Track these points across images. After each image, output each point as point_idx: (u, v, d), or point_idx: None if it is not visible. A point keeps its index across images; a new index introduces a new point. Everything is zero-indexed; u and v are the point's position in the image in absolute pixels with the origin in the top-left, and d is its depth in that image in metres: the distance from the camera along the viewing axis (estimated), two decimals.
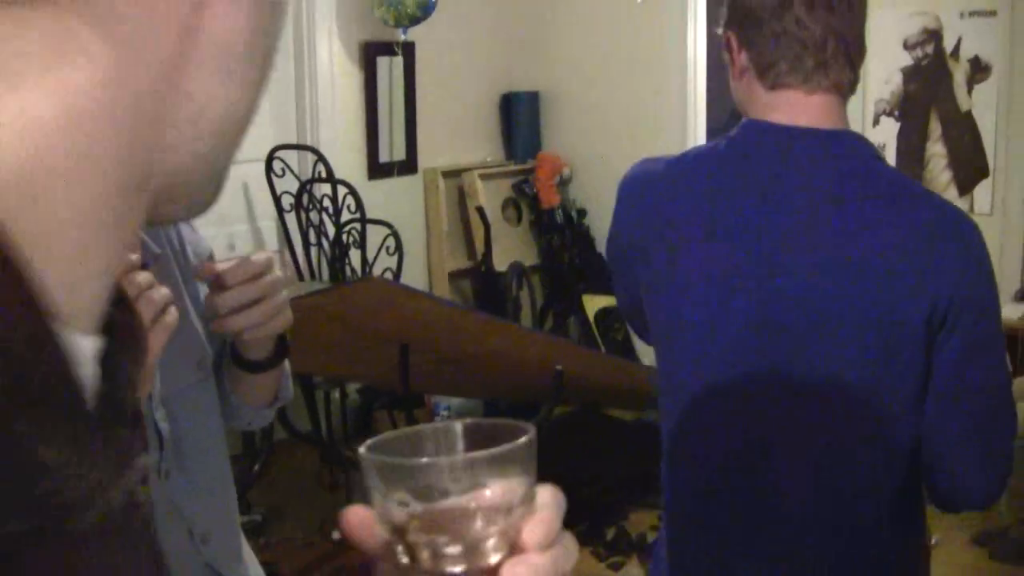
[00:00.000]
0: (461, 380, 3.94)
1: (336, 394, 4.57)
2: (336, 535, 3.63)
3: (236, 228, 4.40)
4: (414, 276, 4.92)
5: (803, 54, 1.31)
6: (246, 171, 4.34)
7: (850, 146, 1.36)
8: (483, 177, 5.05)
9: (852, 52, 1.34)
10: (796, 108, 1.34)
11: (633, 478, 4.12)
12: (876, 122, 4.51)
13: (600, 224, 5.24)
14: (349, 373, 3.97)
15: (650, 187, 1.47)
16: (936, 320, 1.27)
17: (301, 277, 4.44)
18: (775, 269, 1.32)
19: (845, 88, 1.35)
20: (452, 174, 5.06)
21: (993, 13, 4.20)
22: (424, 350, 3.23)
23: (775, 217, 1.33)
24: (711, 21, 4.79)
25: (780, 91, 1.35)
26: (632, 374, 3.91)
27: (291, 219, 4.40)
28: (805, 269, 1.31)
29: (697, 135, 4.93)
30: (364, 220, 4.25)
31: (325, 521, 3.50)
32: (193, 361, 1.31)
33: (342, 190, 4.27)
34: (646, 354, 5.22)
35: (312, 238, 4.42)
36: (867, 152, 1.36)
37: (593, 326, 5.08)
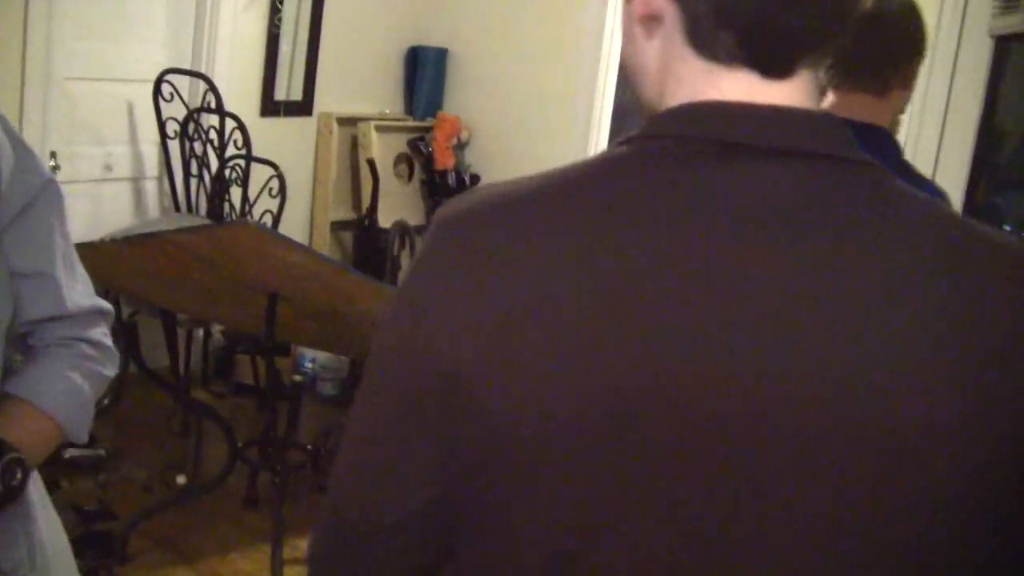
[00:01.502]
0: (329, 336, 3.85)
1: (200, 333, 4.45)
2: (181, 480, 3.53)
3: (116, 149, 4.23)
4: (295, 222, 4.80)
5: None
6: (132, 91, 4.17)
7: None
8: (379, 129, 4.94)
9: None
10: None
11: None
12: None
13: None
14: (213, 315, 3.85)
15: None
16: None
17: (178, 208, 4.30)
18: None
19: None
20: (347, 122, 4.94)
21: None
22: (293, 302, 3.13)
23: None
24: None
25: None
26: None
27: (175, 147, 4.25)
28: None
29: (604, 114, 4.88)
30: (250, 157, 4.12)
31: (171, 465, 3.39)
32: None
33: (230, 123, 4.13)
34: None
35: (194, 169, 4.27)
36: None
37: None
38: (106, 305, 1.36)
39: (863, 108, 1.69)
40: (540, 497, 0.75)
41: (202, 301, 3.52)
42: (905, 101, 1.81)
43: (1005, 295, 0.74)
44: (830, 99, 1.66)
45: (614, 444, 0.72)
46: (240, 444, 3.13)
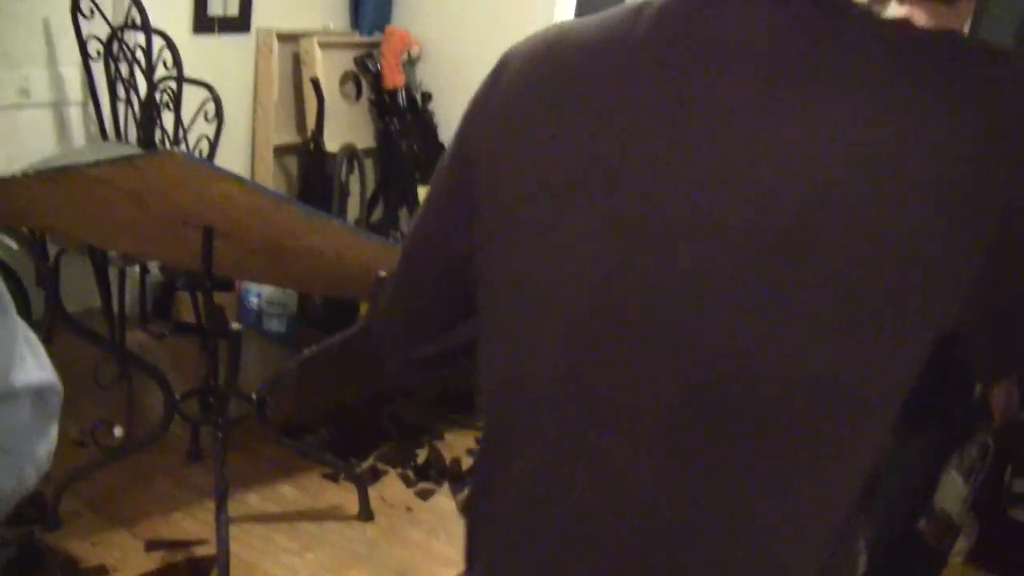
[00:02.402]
0: (273, 271, 3.57)
1: (136, 270, 4.15)
2: (118, 433, 3.25)
3: (33, 72, 3.88)
4: (235, 147, 4.48)
5: None
6: (48, 7, 3.81)
7: None
8: (323, 46, 4.60)
9: None
10: None
11: (450, 393, 3.83)
12: None
13: (446, 111, 4.86)
14: (145, 252, 3.56)
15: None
16: None
17: (105, 135, 3.96)
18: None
19: None
20: (289, 38, 4.59)
21: None
22: (231, 237, 2.85)
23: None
24: None
25: None
26: None
27: (99, 69, 3.90)
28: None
29: None
30: (181, 79, 3.79)
31: (102, 421, 3.11)
32: None
33: (159, 42, 3.78)
34: None
35: (121, 93, 3.93)
36: None
37: None
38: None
39: (934, 15, 1.75)
40: (510, 237, 0.97)
41: (132, 238, 3.22)
42: (969, 12, 1.85)
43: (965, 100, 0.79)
44: (901, 8, 1.77)
45: (567, 201, 0.91)
46: (178, 396, 2.85)
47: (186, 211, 2.73)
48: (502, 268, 0.98)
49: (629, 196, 0.87)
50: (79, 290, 4.00)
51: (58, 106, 4.01)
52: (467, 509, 1.12)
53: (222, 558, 2.56)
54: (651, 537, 0.92)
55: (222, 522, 2.60)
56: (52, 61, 3.94)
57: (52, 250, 3.61)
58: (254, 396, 2.80)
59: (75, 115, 4.05)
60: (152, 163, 2.44)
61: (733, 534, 0.90)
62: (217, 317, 4.26)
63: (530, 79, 0.95)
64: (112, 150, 3.58)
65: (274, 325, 4.30)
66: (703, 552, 0.91)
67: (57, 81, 3.97)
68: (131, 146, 3.83)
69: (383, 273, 2.83)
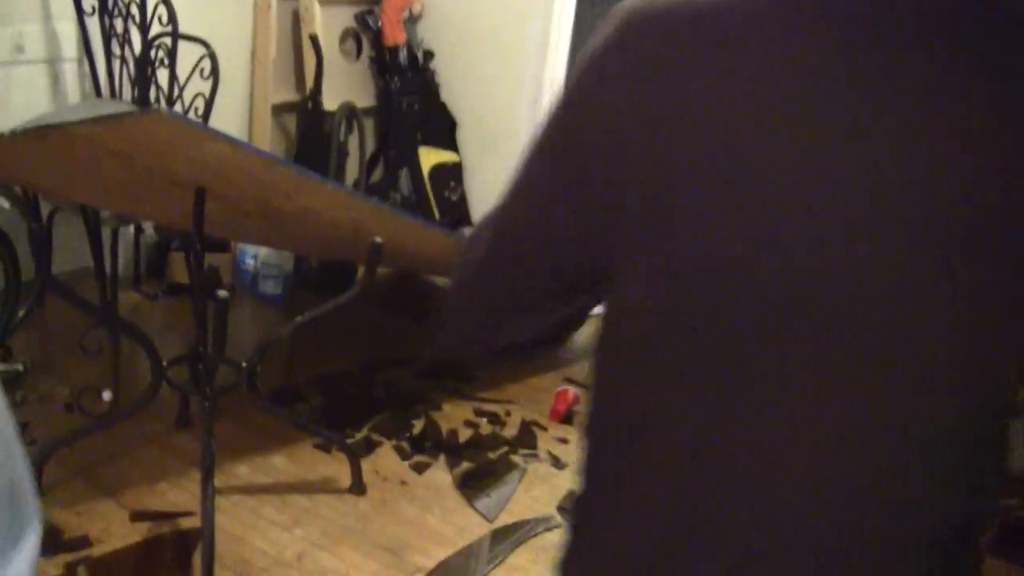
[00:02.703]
0: (268, 233, 3.49)
1: (130, 229, 4.07)
2: (107, 397, 3.18)
3: (27, 28, 3.77)
4: (232, 105, 4.39)
5: None
6: None
7: None
8: (322, 2, 4.48)
9: None
10: None
11: (451, 363, 3.77)
12: None
13: (447, 70, 4.76)
14: (137, 212, 3.47)
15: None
16: None
17: (99, 92, 3.87)
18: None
19: None
20: None
21: None
22: (224, 198, 2.77)
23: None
24: None
25: None
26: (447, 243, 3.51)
27: (94, 24, 3.81)
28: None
29: None
30: (176, 35, 3.69)
31: (87, 387, 3.04)
32: None
33: None
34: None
35: (116, 50, 3.84)
36: None
37: (426, 182, 4.66)
38: None
39: None
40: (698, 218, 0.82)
41: (124, 197, 3.14)
42: None
43: None
44: None
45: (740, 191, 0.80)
46: (168, 361, 2.78)
47: (176, 171, 2.65)
48: (656, 255, 0.85)
49: (806, 181, 0.79)
50: (72, 250, 3.93)
51: (52, 63, 3.91)
52: (574, 536, 1.01)
53: (207, 534, 2.50)
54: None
55: (208, 496, 2.54)
56: (47, 17, 3.84)
57: (45, 210, 3.54)
58: (244, 364, 2.73)
59: (70, 72, 3.95)
60: (138, 121, 2.36)
61: (904, 551, 0.89)
62: (209, 280, 4.20)
63: (681, 47, 0.82)
64: (104, 108, 3.50)
65: (269, 287, 4.23)
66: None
67: (51, 37, 3.86)
68: (125, 103, 3.74)
69: (379, 239, 2.75)
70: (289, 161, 2.46)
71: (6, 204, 3.51)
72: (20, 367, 3.33)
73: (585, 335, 1.06)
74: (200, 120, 3.73)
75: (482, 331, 1.09)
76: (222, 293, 2.48)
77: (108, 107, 3.58)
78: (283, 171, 2.62)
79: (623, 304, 0.91)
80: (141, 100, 3.73)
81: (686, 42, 0.81)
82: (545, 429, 3.37)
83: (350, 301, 2.75)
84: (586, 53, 0.87)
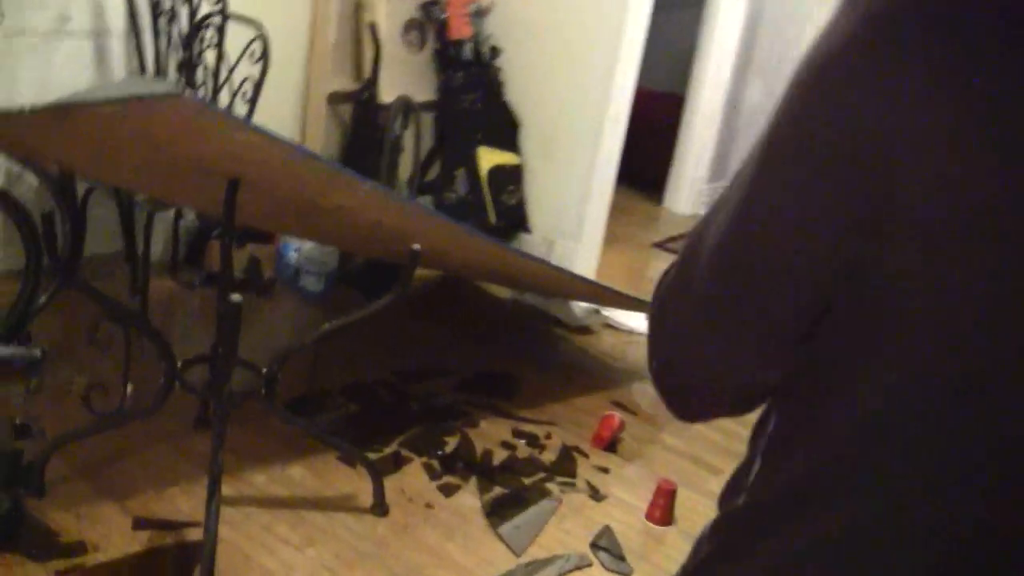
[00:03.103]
0: (306, 227, 3.31)
1: (170, 214, 3.91)
2: (128, 389, 3.00)
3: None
4: (284, 91, 4.22)
5: None
6: None
7: None
8: None
9: None
10: None
11: (493, 376, 3.54)
12: None
13: (513, 67, 4.55)
14: (169, 196, 3.30)
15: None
16: None
17: (143, 71, 3.71)
18: None
19: None
20: None
21: None
22: (258, 189, 2.58)
23: None
24: None
25: None
26: (510, 262, 3.30)
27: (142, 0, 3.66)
28: None
29: None
30: (225, 15, 3.52)
31: (114, 375, 2.86)
32: None
33: None
34: (538, 229, 4.62)
35: (164, 26, 3.68)
36: None
37: (484, 183, 4.45)
38: None
39: None
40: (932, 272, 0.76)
41: (154, 180, 2.97)
42: None
43: None
44: None
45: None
46: (181, 363, 2.60)
47: (205, 158, 2.47)
48: (924, 283, 0.78)
49: None
50: (109, 233, 3.78)
51: (99, 36, 3.75)
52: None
53: (208, 550, 2.31)
54: None
55: (212, 511, 2.34)
56: None
57: (81, 188, 3.38)
58: (264, 370, 2.54)
59: (115, 47, 3.79)
60: (159, 104, 2.17)
61: None
62: (254, 270, 4.02)
63: (971, 47, 0.71)
64: (141, 86, 3.33)
65: (311, 284, 4.04)
66: None
67: (99, 9, 3.71)
68: (167, 83, 3.58)
69: (417, 247, 2.55)
70: (327, 159, 2.26)
71: (37, 182, 3.36)
72: (38, 353, 3.17)
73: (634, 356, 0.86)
74: (249, 104, 3.56)
75: (739, 365, 0.94)
76: (235, 297, 2.29)
77: (144, 86, 3.42)
78: (316, 166, 2.42)
79: (897, 304, 0.81)
80: (188, 80, 3.57)
81: (976, 40, 0.71)
82: (586, 456, 3.14)
83: (383, 310, 2.55)
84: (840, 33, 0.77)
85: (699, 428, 3.33)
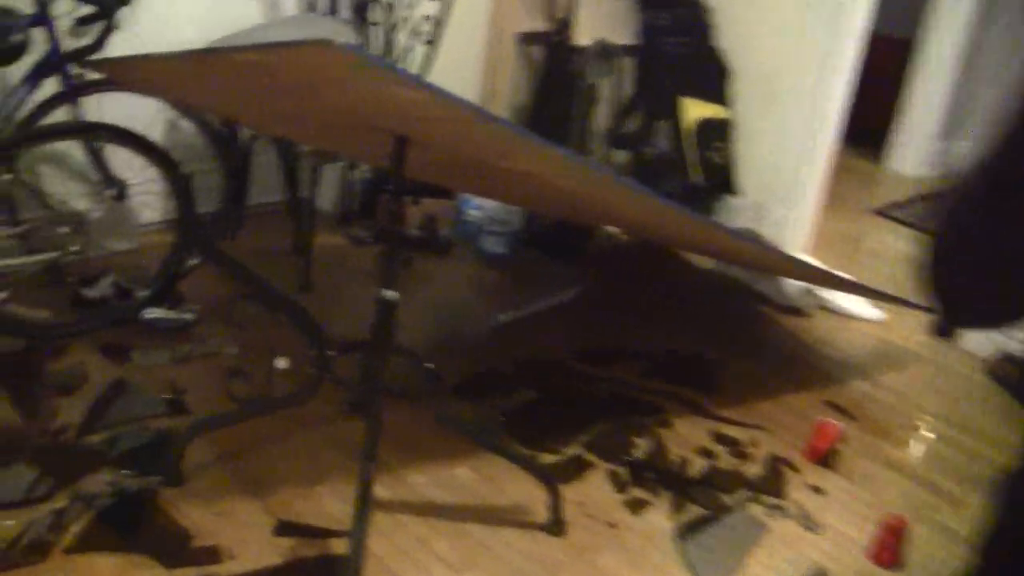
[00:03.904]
0: (485, 186, 2.93)
1: (340, 166, 3.59)
2: (282, 365, 2.71)
3: None
4: (469, 30, 3.83)
5: None
6: None
7: None
8: None
9: None
10: None
11: (689, 361, 3.10)
12: None
13: (726, 9, 4.04)
14: (335, 148, 2.98)
15: None
16: None
17: (312, 8, 3.37)
18: None
19: None
20: None
21: None
22: (428, 147, 2.22)
23: None
24: None
25: None
26: (712, 236, 2.84)
27: None
28: None
29: None
30: None
31: (270, 345, 2.56)
32: None
33: None
34: (747, 192, 4.14)
35: None
36: None
37: (688, 138, 3.98)
38: None
39: None
40: None
41: (314, 132, 2.65)
42: None
43: None
44: None
45: None
46: (336, 347, 2.26)
47: (364, 113, 2.12)
48: None
49: None
50: (274, 184, 3.50)
51: None
52: None
53: (352, 571, 1.98)
54: None
55: (360, 525, 2.00)
56: None
57: (245, 134, 3.10)
58: (427, 365, 2.18)
59: None
60: (304, 52, 1.80)
61: None
62: (431, 229, 3.67)
63: None
64: (304, 29, 2.99)
65: (491, 244, 3.67)
66: None
67: None
68: (339, 23, 3.23)
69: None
70: (506, 120, 1.88)
71: (193, 129, 3.08)
72: (190, 316, 2.90)
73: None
74: (427, 44, 3.19)
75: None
76: (389, 293, 1.92)
77: (317, 27, 3.08)
78: (490, 128, 2.02)
79: None
80: (360, 21, 3.22)
81: None
82: (798, 471, 2.68)
83: (569, 302, 2.17)
84: None
85: (931, 442, 2.83)
